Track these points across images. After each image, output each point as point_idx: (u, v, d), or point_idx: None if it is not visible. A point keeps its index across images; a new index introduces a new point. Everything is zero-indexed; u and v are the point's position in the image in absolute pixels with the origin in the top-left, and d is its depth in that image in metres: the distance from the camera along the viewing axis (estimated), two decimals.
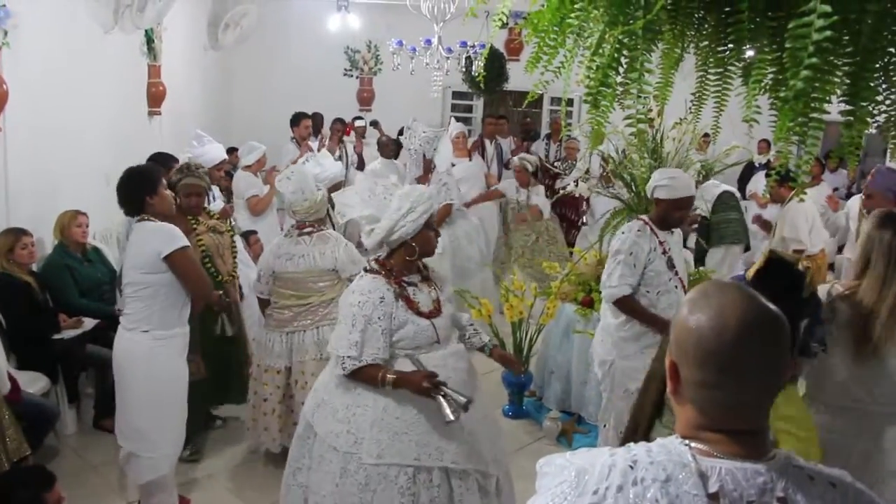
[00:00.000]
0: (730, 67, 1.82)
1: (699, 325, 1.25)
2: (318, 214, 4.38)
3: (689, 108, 2.01)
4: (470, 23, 3.14)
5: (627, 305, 3.90)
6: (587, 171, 6.20)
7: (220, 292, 4.18)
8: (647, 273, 3.88)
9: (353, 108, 11.02)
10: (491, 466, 3.03)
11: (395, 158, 8.29)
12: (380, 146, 8.52)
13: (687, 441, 1.26)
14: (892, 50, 1.59)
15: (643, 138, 4.85)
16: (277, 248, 4.31)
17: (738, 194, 7.32)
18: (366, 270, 3.08)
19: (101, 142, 5.95)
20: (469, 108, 11.85)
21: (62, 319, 4.71)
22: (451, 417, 2.73)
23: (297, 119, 7.88)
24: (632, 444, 1.30)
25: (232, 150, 7.10)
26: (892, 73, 1.63)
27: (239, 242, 5.57)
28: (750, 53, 1.77)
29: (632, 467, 1.22)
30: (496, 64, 9.65)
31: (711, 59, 1.86)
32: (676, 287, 3.89)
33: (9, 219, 4.75)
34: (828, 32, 1.32)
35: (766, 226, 6.48)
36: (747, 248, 6.99)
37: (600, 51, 1.68)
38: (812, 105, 1.43)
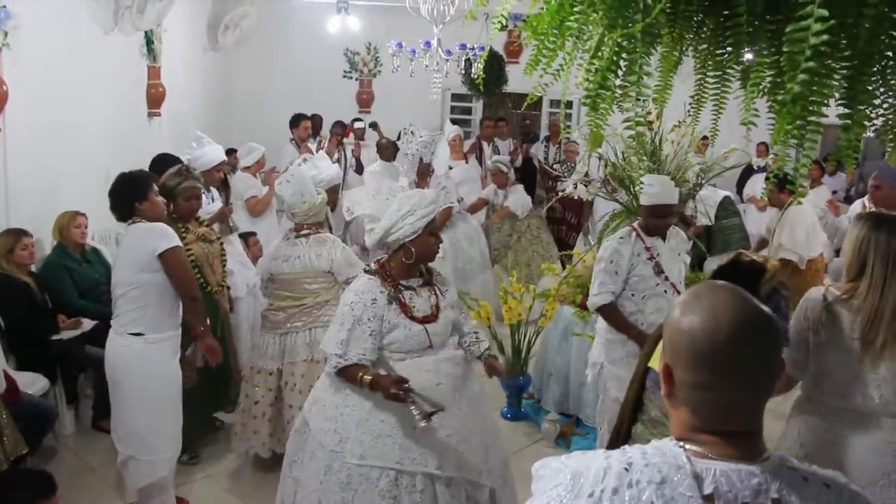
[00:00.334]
0: (728, 70, 1.83)
1: (692, 326, 1.26)
2: (316, 217, 4.38)
3: (688, 111, 2.02)
4: (469, 25, 3.14)
5: (606, 313, 3.97)
6: (586, 174, 6.20)
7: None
8: (632, 278, 3.93)
9: (353, 109, 11.03)
10: (483, 477, 2.98)
11: (395, 161, 8.31)
12: (379, 148, 8.52)
13: (682, 443, 1.26)
14: (890, 54, 1.60)
15: (642, 141, 4.86)
16: (275, 251, 4.33)
17: (734, 198, 7.33)
18: (365, 271, 3.09)
19: (100, 143, 5.96)
20: (468, 111, 11.86)
21: (61, 320, 4.71)
22: (420, 425, 2.70)
23: (296, 120, 7.89)
24: (627, 446, 1.30)
25: (231, 152, 7.10)
26: (889, 77, 1.64)
27: (238, 244, 5.57)
28: (748, 57, 1.78)
29: (627, 470, 1.23)
30: (495, 66, 9.67)
31: (710, 63, 1.87)
32: (666, 292, 3.91)
33: (8, 219, 4.76)
34: (825, 36, 1.33)
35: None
36: None
37: (599, 54, 1.69)
38: (810, 108, 1.44)
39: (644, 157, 4.90)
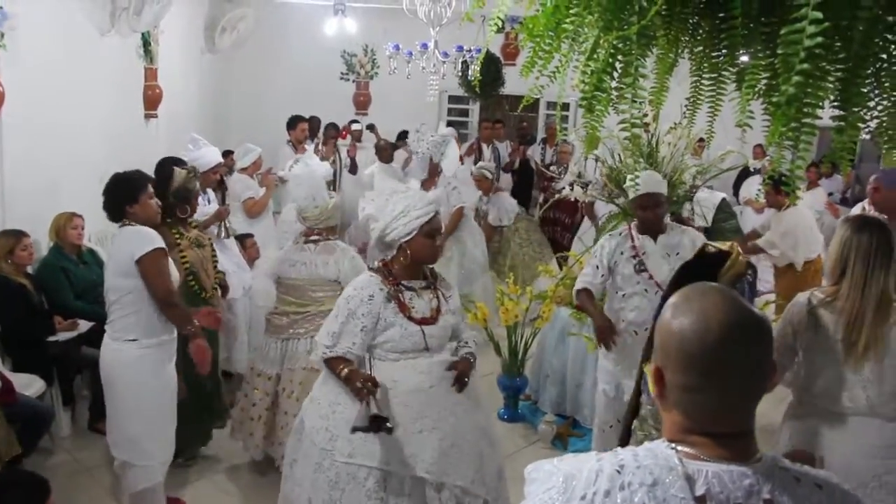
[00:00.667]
0: (724, 72, 1.83)
1: (682, 329, 1.26)
2: (328, 222, 4.30)
3: (684, 113, 2.03)
4: (466, 27, 3.15)
5: (580, 298, 4.15)
6: (579, 175, 6.22)
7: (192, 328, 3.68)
8: (617, 276, 4.06)
9: (350, 111, 11.03)
10: (475, 485, 2.94)
11: (392, 162, 8.34)
12: (378, 150, 8.53)
13: (673, 445, 1.27)
14: (884, 56, 1.61)
15: (638, 143, 4.87)
16: (284, 253, 4.31)
17: (730, 200, 7.36)
18: (369, 269, 3.11)
19: (97, 144, 5.95)
20: (465, 112, 11.87)
21: (57, 321, 4.71)
22: (358, 423, 2.65)
23: (293, 122, 7.89)
24: (619, 448, 1.31)
25: (228, 153, 7.10)
26: (883, 79, 1.65)
27: (234, 245, 5.58)
28: (744, 59, 1.79)
29: (619, 472, 1.23)
30: (492, 68, 9.68)
31: (706, 65, 1.87)
32: (647, 291, 3.95)
33: (4, 220, 4.76)
34: (819, 38, 1.34)
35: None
36: None
37: (595, 56, 1.69)
38: (804, 110, 1.44)
39: (640, 159, 4.91)
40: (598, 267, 4.08)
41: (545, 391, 5.36)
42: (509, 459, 3.45)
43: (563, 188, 6.05)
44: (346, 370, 2.87)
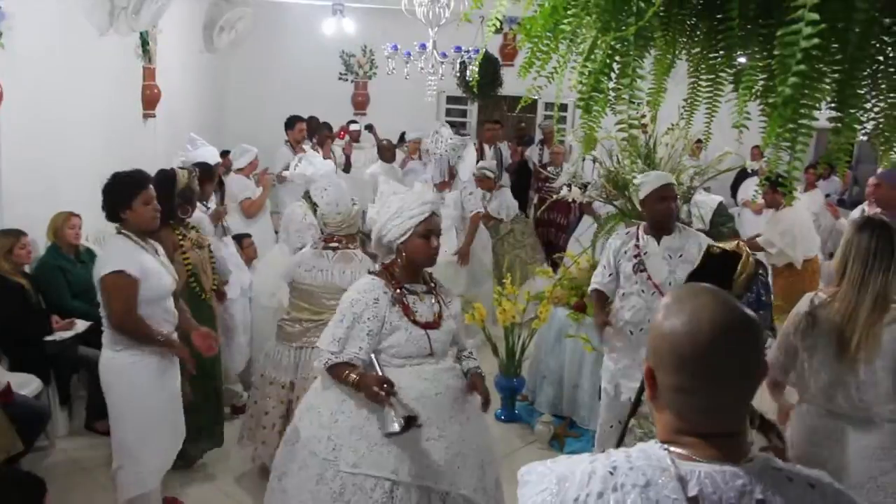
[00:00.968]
0: (721, 74, 1.84)
1: (673, 330, 1.26)
2: (349, 229, 4.19)
3: (682, 114, 2.03)
4: (465, 28, 3.15)
5: (592, 299, 4.26)
6: (575, 175, 6.22)
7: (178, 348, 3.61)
8: (619, 275, 4.09)
9: (348, 111, 11.03)
10: (477, 495, 2.90)
11: (394, 162, 8.36)
12: (381, 150, 8.54)
13: (666, 445, 1.27)
14: (880, 58, 1.62)
15: (636, 144, 4.89)
16: (301, 257, 4.17)
17: (727, 202, 7.37)
18: (369, 272, 3.02)
19: (95, 143, 5.95)
20: (464, 113, 11.87)
21: (54, 321, 4.70)
22: (393, 429, 2.62)
23: (291, 122, 7.89)
24: (612, 449, 1.31)
25: (225, 154, 7.10)
26: (880, 81, 1.65)
27: (232, 245, 5.57)
28: (741, 60, 1.79)
29: (612, 473, 1.24)
30: (490, 69, 9.67)
31: (703, 66, 1.88)
32: (644, 291, 3.97)
33: (2, 220, 4.75)
34: (816, 40, 1.34)
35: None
36: None
37: (593, 56, 1.70)
38: (800, 111, 1.45)
39: (638, 160, 4.92)
40: (605, 266, 4.13)
41: (542, 392, 5.37)
42: (506, 460, 3.46)
43: (561, 189, 6.04)
44: (354, 376, 2.78)
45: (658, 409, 1.33)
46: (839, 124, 1.58)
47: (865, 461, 2.69)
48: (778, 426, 2.22)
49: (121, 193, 3.44)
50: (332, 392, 2.93)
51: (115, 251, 3.41)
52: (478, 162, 8.66)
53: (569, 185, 5.91)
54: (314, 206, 4.62)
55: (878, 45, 1.57)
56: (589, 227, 7.02)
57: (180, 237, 4.14)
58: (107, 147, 6.06)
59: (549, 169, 8.49)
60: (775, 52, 1.43)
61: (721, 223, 6.59)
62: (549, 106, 11.30)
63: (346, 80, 11.38)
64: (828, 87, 1.53)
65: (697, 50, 1.87)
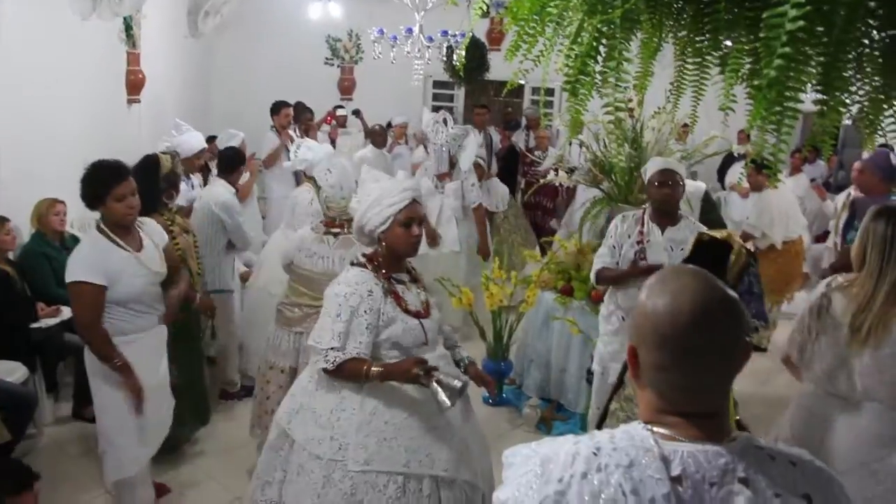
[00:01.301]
0: (707, 57, 1.84)
1: (655, 309, 1.28)
2: (352, 213, 4.04)
3: (668, 98, 2.03)
4: (451, 11, 3.14)
5: (602, 277, 4.12)
6: (561, 159, 6.22)
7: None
8: (621, 260, 4.03)
9: (335, 96, 10.98)
10: (480, 480, 2.89)
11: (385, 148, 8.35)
12: (372, 135, 8.50)
13: (649, 426, 1.28)
14: (865, 41, 1.62)
15: (622, 127, 4.89)
16: (301, 241, 4.07)
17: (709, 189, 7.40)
18: (352, 264, 2.90)
19: (79, 129, 5.91)
20: (451, 98, 11.84)
21: (40, 308, 4.68)
22: (449, 403, 2.59)
23: (277, 108, 7.85)
24: (595, 431, 1.33)
25: (211, 139, 7.06)
26: (864, 64, 1.66)
27: None
28: (727, 43, 1.79)
29: (595, 454, 1.25)
30: (477, 53, 9.65)
31: (689, 49, 1.88)
32: (640, 279, 3.94)
33: None
34: (801, 22, 1.35)
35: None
36: None
37: (579, 39, 1.70)
38: (786, 94, 1.45)
39: (625, 144, 4.93)
40: (613, 247, 4.07)
41: (529, 375, 5.39)
42: (494, 443, 3.46)
43: (548, 173, 6.04)
44: (375, 368, 2.68)
45: (640, 388, 1.34)
46: (824, 107, 1.58)
47: (859, 447, 2.72)
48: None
49: (94, 187, 3.34)
50: (329, 391, 2.82)
51: (83, 255, 3.33)
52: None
53: (555, 169, 5.92)
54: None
55: (863, 28, 1.58)
56: (580, 207, 7.02)
57: (169, 223, 4.11)
58: (91, 133, 6.01)
59: (535, 153, 8.49)
60: (761, 35, 1.43)
61: (707, 211, 6.64)
62: (535, 90, 11.30)
63: (333, 64, 11.32)
64: (813, 70, 1.54)
65: (684, 33, 1.87)
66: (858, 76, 1.68)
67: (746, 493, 1.20)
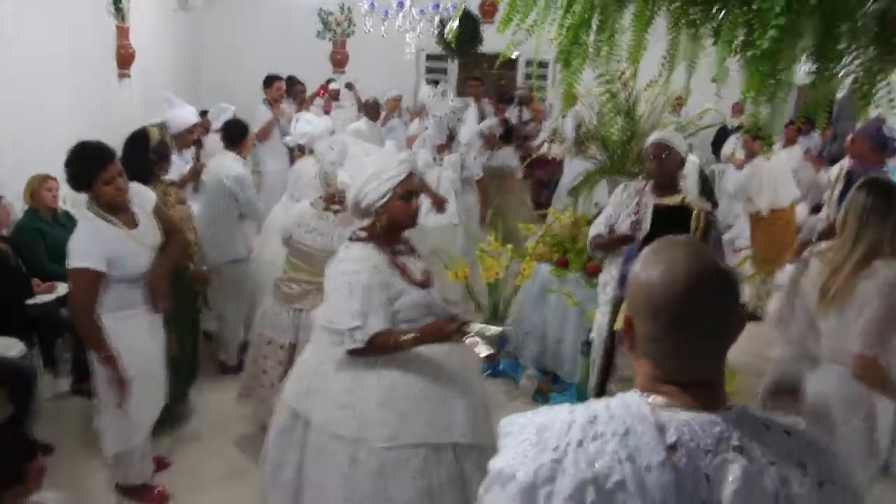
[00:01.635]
0: (701, 29, 1.84)
1: (649, 280, 1.30)
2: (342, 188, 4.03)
3: (662, 70, 2.03)
4: None
5: (594, 244, 4.18)
6: (555, 132, 6.21)
7: None
8: (618, 228, 4.04)
9: (327, 70, 10.89)
10: (492, 441, 2.89)
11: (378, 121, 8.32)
12: (367, 108, 8.46)
13: (645, 394, 1.30)
14: (859, 12, 1.62)
15: (616, 100, 4.88)
16: (300, 216, 4.04)
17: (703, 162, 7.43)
18: (351, 239, 2.86)
19: (70, 105, 5.87)
20: (444, 71, 11.76)
21: (36, 284, 4.67)
22: (490, 350, 2.63)
23: (269, 81, 7.80)
24: (592, 399, 1.34)
25: (203, 114, 7.01)
26: (858, 35, 1.66)
27: None
28: (721, 15, 1.79)
29: (591, 422, 1.26)
30: (469, 26, 9.57)
31: (683, 21, 1.87)
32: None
33: None
34: None
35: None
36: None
37: (571, 10, 1.69)
38: (779, 66, 1.46)
39: (619, 117, 4.92)
40: (610, 216, 4.10)
41: (526, 347, 5.42)
42: (492, 414, 3.49)
43: (542, 146, 6.04)
44: (407, 336, 2.68)
45: (636, 359, 1.36)
46: (817, 77, 1.58)
47: (828, 408, 2.80)
48: None
49: (81, 173, 3.33)
50: (342, 370, 2.79)
51: (82, 237, 3.32)
52: None
53: (550, 141, 5.91)
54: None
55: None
56: (567, 184, 7.02)
57: (163, 194, 4.11)
58: (82, 108, 5.97)
59: (530, 125, 8.47)
60: (754, 6, 1.43)
61: (706, 185, 6.67)
62: (529, 63, 11.24)
63: (325, 38, 11.22)
64: (807, 41, 1.54)
65: (677, 4, 1.87)
66: (852, 47, 1.68)
67: (741, 460, 1.22)
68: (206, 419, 4.61)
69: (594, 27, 1.70)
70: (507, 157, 7.64)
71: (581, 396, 4.71)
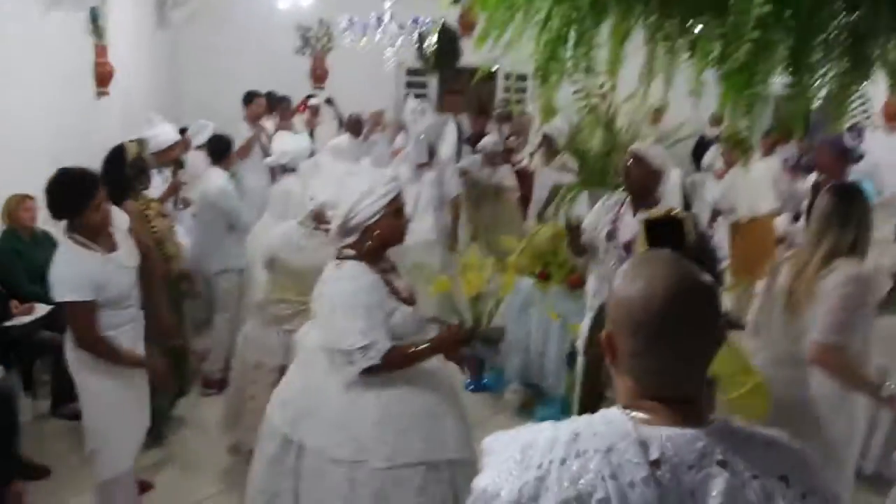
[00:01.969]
0: (678, 41, 1.85)
1: (629, 295, 1.30)
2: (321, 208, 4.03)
3: (640, 82, 2.04)
4: None
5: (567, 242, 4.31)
6: (539, 144, 6.25)
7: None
8: (597, 236, 4.09)
9: (307, 86, 10.88)
10: (476, 457, 2.90)
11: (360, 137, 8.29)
12: (349, 124, 8.43)
13: (627, 411, 1.30)
14: (833, 24, 1.64)
15: (595, 113, 4.91)
16: (286, 235, 3.98)
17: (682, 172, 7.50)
18: (340, 258, 2.81)
19: (47, 124, 5.81)
20: (424, 85, 11.77)
21: (14, 306, 4.62)
22: (490, 355, 2.75)
23: (249, 98, 7.78)
24: (575, 416, 1.34)
25: (182, 131, 6.97)
26: (832, 48, 1.68)
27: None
28: (697, 28, 1.80)
29: (574, 440, 1.26)
30: (448, 40, 9.59)
31: (659, 34, 1.89)
32: (613, 264, 3.90)
33: None
34: (769, 7, 1.36)
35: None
36: None
37: (548, 26, 1.70)
38: (755, 78, 1.47)
39: (598, 130, 4.95)
40: (590, 222, 4.16)
41: (509, 361, 5.40)
42: (476, 429, 3.47)
43: (522, 159, 6.05)
44: (419, 346, 2.74)
45: (618, 375, 1.36)
46: (793, 91, 1.60)
47: (813, 407, 2.84)
48: None
49: (67, 202, 3.28)
50: (336, 390, 2.74)
51: (65, 267, 3.24)
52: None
53: (531, 155, 5.94)
54: None
55: (830, 13, 1.59)
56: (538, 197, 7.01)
57: (144, 207, 4.10)
58: (61, 127, 5.92)
59: (511, 139, 8.47)
60: (730, 19, 1.44)
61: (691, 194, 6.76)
62: (508, 76, 11.26)
63: (304, 54, 11.22)
64: (782, 54, 1.55)
65: (654, 18, 1.88)
66: (826, 59, 1.69)
67: (724, 474, 1.21)
68: (189, 439, 4.55)
69: (571, 42, 1.71)
70: (505, 174, 7.65)
71: (566, 409, 4.70)
